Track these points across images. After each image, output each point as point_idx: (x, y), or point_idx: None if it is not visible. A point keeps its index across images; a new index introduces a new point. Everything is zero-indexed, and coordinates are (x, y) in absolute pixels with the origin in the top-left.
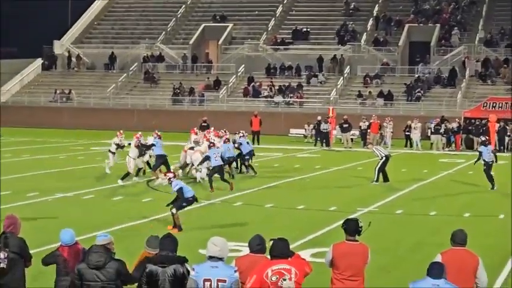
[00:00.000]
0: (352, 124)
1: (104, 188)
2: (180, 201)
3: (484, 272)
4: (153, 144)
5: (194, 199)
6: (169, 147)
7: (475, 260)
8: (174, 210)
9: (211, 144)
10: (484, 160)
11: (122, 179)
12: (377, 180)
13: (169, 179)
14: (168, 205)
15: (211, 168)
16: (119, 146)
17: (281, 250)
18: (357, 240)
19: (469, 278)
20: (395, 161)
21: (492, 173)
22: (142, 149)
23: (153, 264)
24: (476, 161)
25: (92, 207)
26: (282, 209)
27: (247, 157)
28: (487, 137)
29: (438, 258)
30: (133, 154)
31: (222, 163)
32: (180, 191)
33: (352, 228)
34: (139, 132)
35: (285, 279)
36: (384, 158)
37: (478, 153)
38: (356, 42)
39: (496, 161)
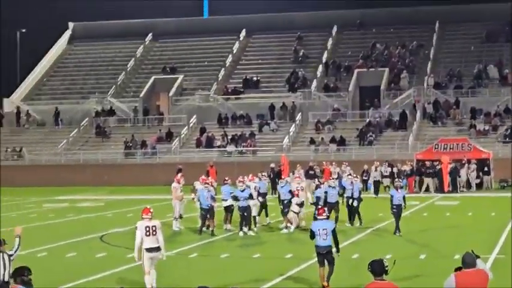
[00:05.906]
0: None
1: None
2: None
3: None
4: None
5: None
6: (124, 201)
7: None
8: None
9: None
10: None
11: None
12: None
13: None
14: None
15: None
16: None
17: None
18: (384, 280)
19: None
20: None
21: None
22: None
23: None
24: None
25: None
26: (237, 259)
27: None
28: (399, 180)
29: (451, 281)
30: None
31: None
32: None
33: (378, 268)
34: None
35: None
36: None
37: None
38: (306, 89)
39: (404, 206)
